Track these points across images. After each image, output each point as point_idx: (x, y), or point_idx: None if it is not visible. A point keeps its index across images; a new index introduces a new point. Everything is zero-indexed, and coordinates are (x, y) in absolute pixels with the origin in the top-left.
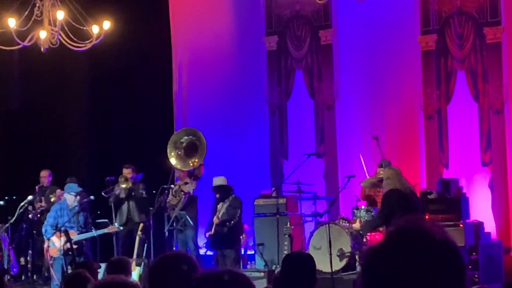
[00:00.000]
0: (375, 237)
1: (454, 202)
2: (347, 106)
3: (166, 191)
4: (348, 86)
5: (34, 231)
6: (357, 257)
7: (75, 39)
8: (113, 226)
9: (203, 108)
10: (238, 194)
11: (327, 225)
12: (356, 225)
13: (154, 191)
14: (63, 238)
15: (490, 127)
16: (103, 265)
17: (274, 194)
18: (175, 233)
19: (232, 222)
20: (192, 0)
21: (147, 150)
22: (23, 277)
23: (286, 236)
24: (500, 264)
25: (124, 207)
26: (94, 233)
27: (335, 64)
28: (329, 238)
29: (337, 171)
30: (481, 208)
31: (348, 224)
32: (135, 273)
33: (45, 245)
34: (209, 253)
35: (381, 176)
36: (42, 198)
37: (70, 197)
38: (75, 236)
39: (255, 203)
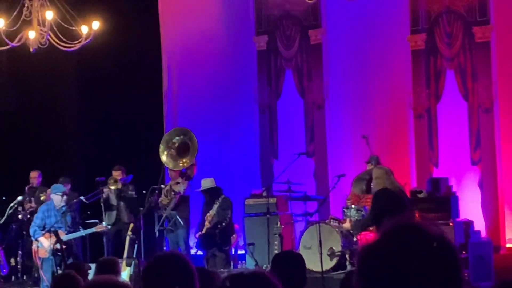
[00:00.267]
0: (365, 237)
1: (444, 201)
2: (337, 105)
3: (156, 191)
4: (338, 86)
5: (24, 232)
6: (347, 256)
7: (64, 39)
8: (101, 225)
9: (193, 108)
10: (228, 194)
11: (317, 224)
12: (347, 225)
13: (144, 191)
14: (52, 239)
15: (479, 126)
16: (93, 266)
17: (264, 194)
18: (166, 233)
19: (224, 224)
20: (181, 0)
21: (137, 150)
22: (13, 278)
23: (277, 235)
24: (490, 263)
25: (114, 207)
26: (82, 232)
27: (325, 63)
28: (320, 238)
29: (327, 170)
30: (471, 206)
31: (338, 224)
32: (125, 273)
33: (34, 247)
34: (199, 253)
35: (370, 169)
36: (32, 198)
37: (56, 197)
38: (63, 236)
39: (245, 202)
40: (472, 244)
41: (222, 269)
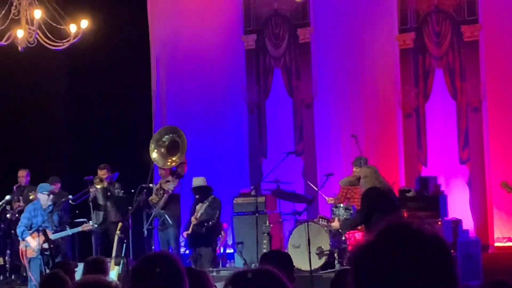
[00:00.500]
0: (354, 236)
1: (432, 199)
2: (326, 104)
3: (145, 190)
4: (327, 84)
5: (12, 231)
6: (336, 255)
7: (52, 38)
8: (88, 224)
9: (182, 107)
10: (217, 193)
11: (306, 223)
12: (335, 224)
13: (132, 190)
14: (40, 238)
15: (468, 125)
16: (81, 265)
17: (253, 193)
18: (157, 232)
19: (211, 222)
20: None
21: (126, 149)
22: (1, 277)
23: (265, 234)
24: (478, 262)
25: (101, 207)
26: (68, 231)
27: (314, 62)
28: (308, 237)
29: (315, 169)
30: (459, 205)
31: (327, 223)
32: (114, 273)
33: (21, 247)
34: (187, 252)
35: (358, 173)
36: (20, 198)
37: (43, 196)
38: (50, 235)
39: (234, 201)
40: (461, 243)
41: (211, 268)
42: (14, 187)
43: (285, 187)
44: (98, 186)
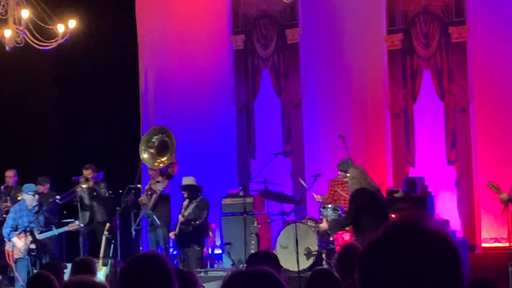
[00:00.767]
0: (342, 236)
1: (420, 200)
2: (314, 105)
3: (133, 191)
4: (315, 85)
5: None
6: (323, 256)
7: (40, 38)
8: (74, 223)
9: (170, 107)
10: (205, 193)
11: (294, 224)
12: (324, 225)
13: (120, 191)
14: (27, 239)
15: (455, 126)
16: (69, 265)
17: (241, 193)
18: (146, 232)
19: (198, 222)
20: None
21: (114, 149)
22: None
23: (253, 235)
24: (466, 262)
25: (87, 207)
26: (55, 231)
27: (302, 63)
28: (296, 237)
29: (304, 170)
30: (447, 206)
31: (315, 224)
32: (102, 273)
33: (7, 247)
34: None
35: (343, 177)
36: (8, 198)
37: (28, 196)
38: (36, 236)
39: (222, 202)
40: None
41: (198, 269)
42: (2, 188)
43: (273, 188)
44: (84, 186)
